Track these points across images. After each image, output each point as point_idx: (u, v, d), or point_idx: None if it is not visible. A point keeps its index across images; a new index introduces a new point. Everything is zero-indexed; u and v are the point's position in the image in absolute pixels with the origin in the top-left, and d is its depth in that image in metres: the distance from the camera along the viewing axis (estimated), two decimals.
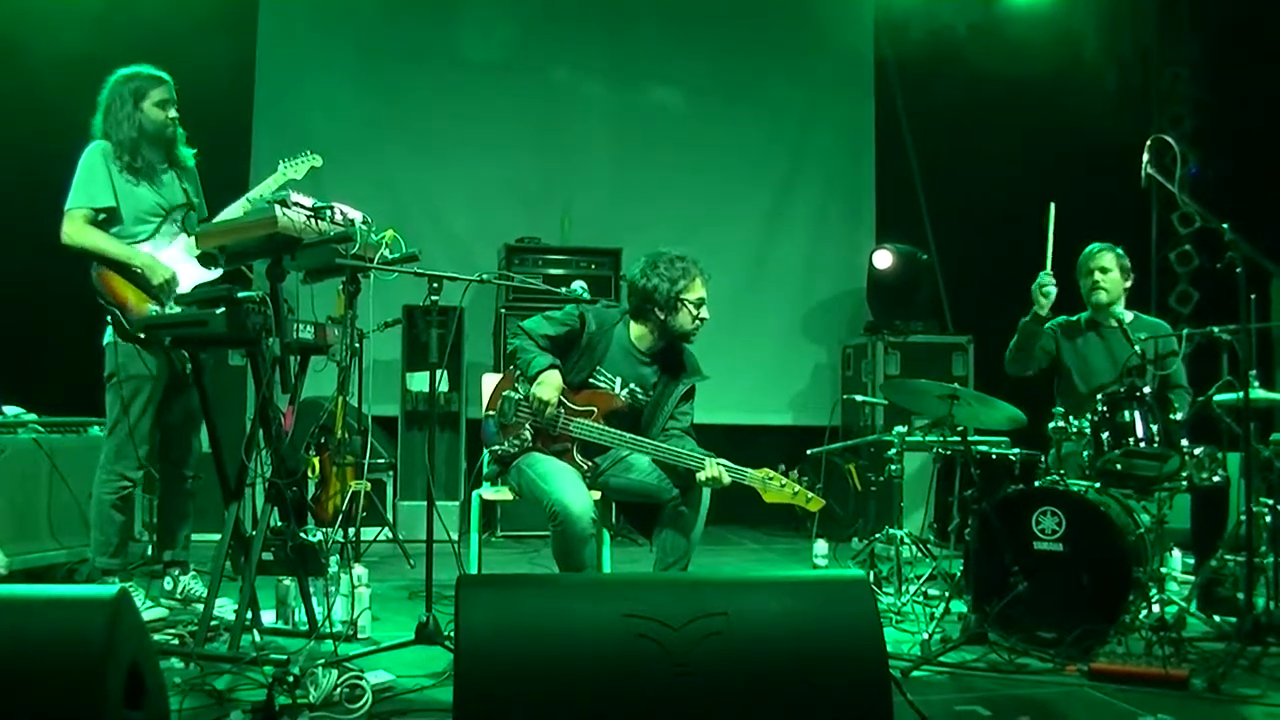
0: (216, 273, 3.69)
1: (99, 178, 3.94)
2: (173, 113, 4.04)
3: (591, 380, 3.82)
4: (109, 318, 3.91)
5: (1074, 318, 4.74)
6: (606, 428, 3.70)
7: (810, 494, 3.60)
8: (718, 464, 3.57)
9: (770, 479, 3.59)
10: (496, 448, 3.79)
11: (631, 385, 3.84)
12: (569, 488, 3.53)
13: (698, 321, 3.83)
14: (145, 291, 3.91)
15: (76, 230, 3.90)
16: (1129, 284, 4.62)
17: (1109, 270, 4.57)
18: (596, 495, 3.84)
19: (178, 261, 3.98)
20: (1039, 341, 4.58)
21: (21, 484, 4.49)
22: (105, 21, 5.92)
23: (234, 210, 4.00)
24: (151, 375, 3.94)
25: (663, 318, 3.81)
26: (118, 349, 3.92)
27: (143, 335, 3.82)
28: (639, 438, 3.70)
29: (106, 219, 3.96)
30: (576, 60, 7.55)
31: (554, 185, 7.38)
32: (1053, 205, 4.41)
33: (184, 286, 3.89)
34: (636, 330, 3.89)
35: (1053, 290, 4.38)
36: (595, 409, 3.74)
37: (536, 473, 3.63)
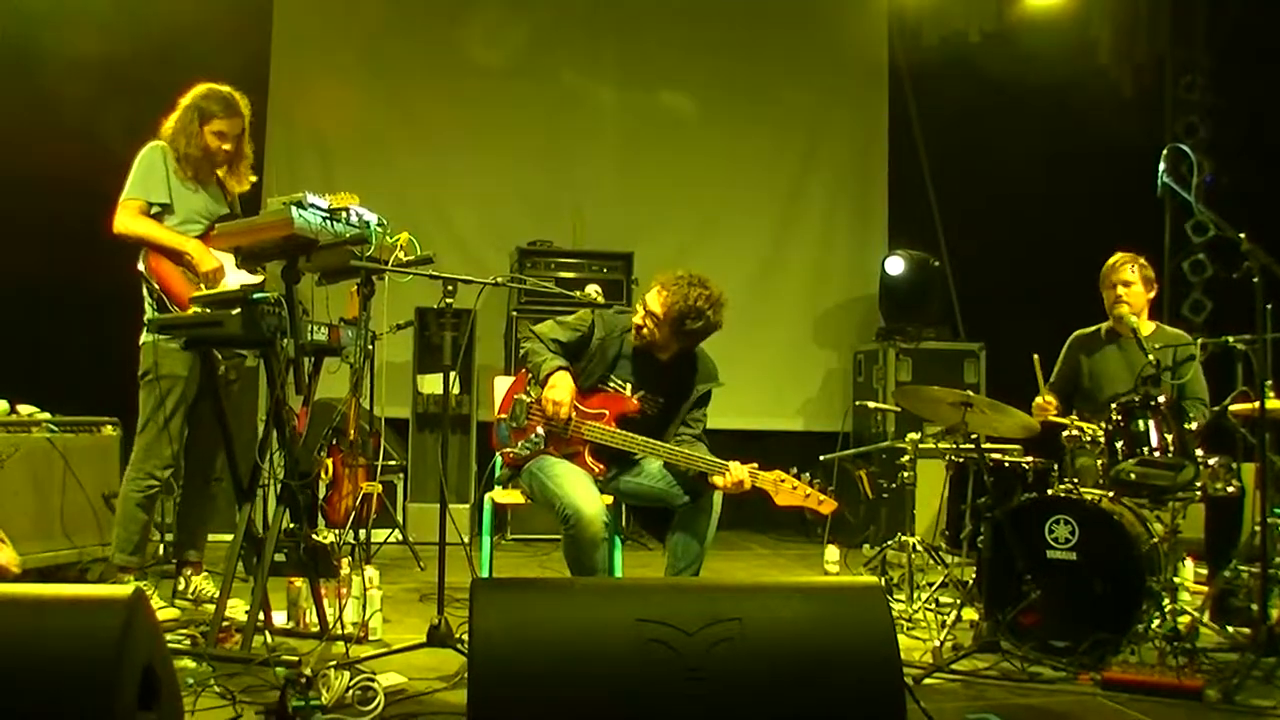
0: (259, 277, 3.72)
1: (157, 174, 4.04)
2: (228, 145, 4.12)
3: (602, 385, 3.81)
4: (147, 313, 3.94)
5: (1093, 329, 4.74)
6: (619, 431, 3.70)
7: (823, 496, 3.59)
8: (741, 467, 3.55)
9: (782, 481, 3.58)
10: (509, 450, 3.80)
11: (643, 391, 3.83)
12: (582, 491, 3.52)
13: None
14: (193, 279, 3.96)
15: (130, 219, 3.98)
16: (1153, 294, 4.62)
17: (1131, 283, 4.56)
18: (609, 499, 3.84)
19: (224, 262, 4.01)
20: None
21: (35, 483, 4.51)
22: (120, 26, 5.95)
23: None
24: (185, 374, 3.97)
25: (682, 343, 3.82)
26: (154, 347, 3.95)
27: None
28: (653, 441, 3.69)
29: (159, 214, 4.03)
30: (587, 65, 7.55)
31: (565, 189, 7.39)
32: (1036, 356, 4.53)
33: (229, 286, 3.91)
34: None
35: (1049, 408, 4.47)
36: (607, 412, 3.74)
37: (549, 475, 3.63)
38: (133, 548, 4.00)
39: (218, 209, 4.17)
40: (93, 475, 4.71)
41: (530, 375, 3.81)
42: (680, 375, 3.88)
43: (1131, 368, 4.52)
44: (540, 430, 3.75)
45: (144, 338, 4.00)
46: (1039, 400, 4.45)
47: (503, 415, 3.88)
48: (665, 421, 3.84)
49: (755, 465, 3.58)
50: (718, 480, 3.55)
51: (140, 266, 3.99)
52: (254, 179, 4.31)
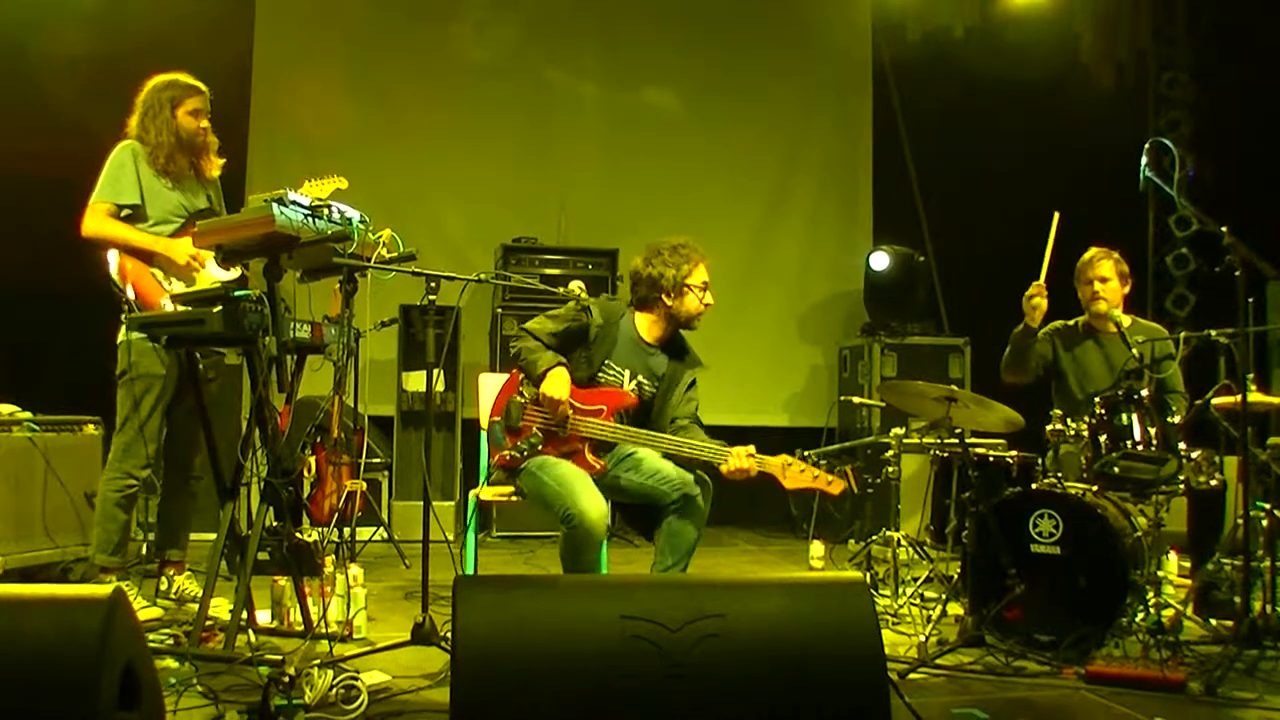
0: (235, 273, 3.70)
1: (126, 175, 4.01)
2: (204, 123, 4.12)
3: (600, 375, 3.81)
4: (123, 314, 3.91)
5: (1070, 323, 4.74)
6: (619, 425, 3.69)
7: (831, 476, 3.57)
8: (744, 454, 3.54)
9: (789, 465, 3.57)
10: (505, 452, 3.75)
11: (640, 378, 3.84)
12: (585, 492, 3.50)
13: (704, 305, 3.87)
14: (170, 275, 3.94)
15: (97, 222, 3.96)
16: (1127, 289, 4.60)
17: (1109, 280, 4.54)
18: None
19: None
20: (1034, 349, 4.58)
21: (16, 483, 4.48)
22: (103, 24, 5.92)
23: None
24: (163, 373, 3.95)
25: (670, 304, 3.84)
26: (131, 346, 3.94)
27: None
28: (654, 434, 3.68)
29: (130, 216, 4.01)
30: (572, 61, 7.54)
31: (550, 185, 7.37)
32: (1057, 215, 4.35)
33: (203, 285, 3.90)
34: (643, 321, 3.91)
35: (1042, 302, 4.36)
36: (605, 407, 3.73)
37: (551, 476, 3.60)
38: (113, 548, 3.98)
39: (195, 202, 4.14)
40: (75, 474, 4.68)
41: (524, 375, 3.79)
42: (674, 358, 3.92)
43: (1110, 363, 4.53)
44: (538, 430, 3.73)
45: (121, 336, 3.99)
46: (1030, 295, 4.33)
47: (496, 417, 3.85)
48: (662, 405, 3.85)
49: (753, 447, 3.57)
50: (723, 468, 3.54)
51: (112, 272, 3.94)
52: (222, 162, 4.27)
